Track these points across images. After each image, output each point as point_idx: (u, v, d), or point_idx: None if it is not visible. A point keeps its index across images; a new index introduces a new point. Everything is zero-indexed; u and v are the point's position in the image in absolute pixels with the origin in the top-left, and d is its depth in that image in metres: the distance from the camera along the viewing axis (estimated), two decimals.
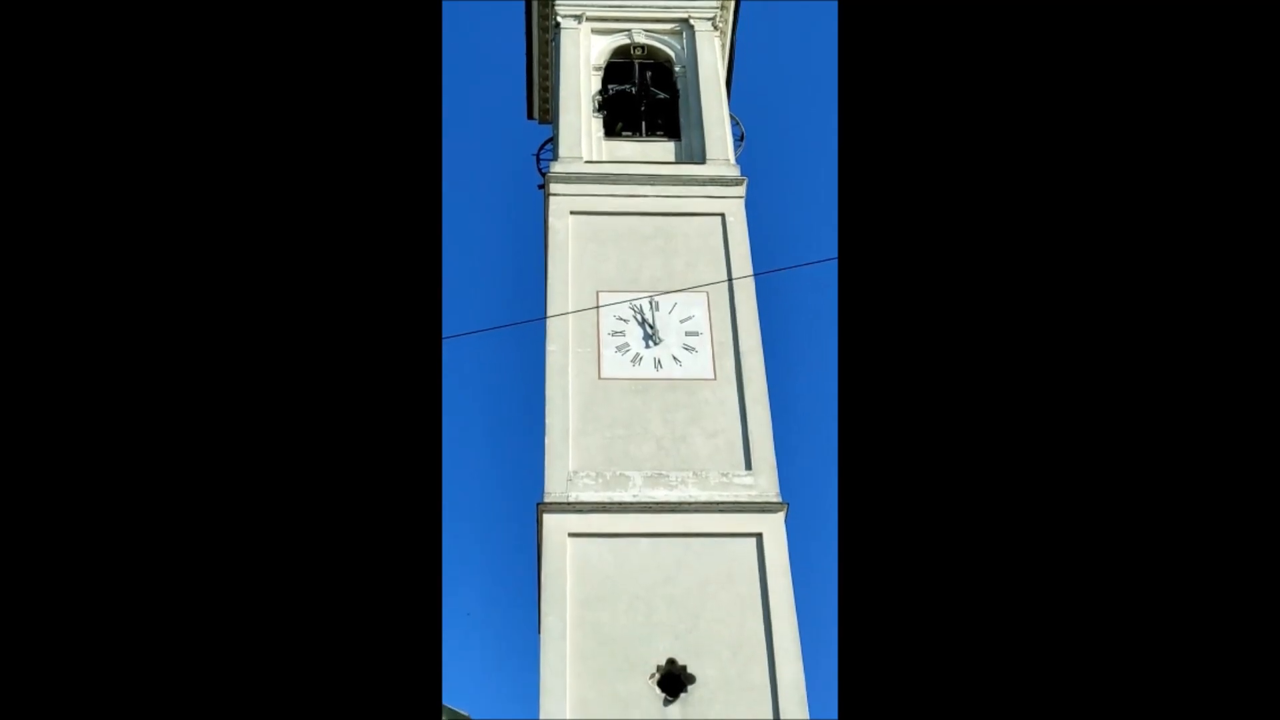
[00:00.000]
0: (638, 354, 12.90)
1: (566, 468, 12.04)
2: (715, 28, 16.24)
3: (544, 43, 16.89)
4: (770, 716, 10.74)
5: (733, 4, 16.65)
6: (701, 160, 14.78)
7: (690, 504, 11.85)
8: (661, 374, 12.79)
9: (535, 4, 16.62)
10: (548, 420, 12.35)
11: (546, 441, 12.21)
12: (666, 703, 10.83)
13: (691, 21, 16.18)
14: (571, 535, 11.61)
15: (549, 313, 13.12)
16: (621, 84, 15.87)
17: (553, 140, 15.62)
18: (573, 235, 13.83)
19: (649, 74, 16.01)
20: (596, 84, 15.69)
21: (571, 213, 14.03)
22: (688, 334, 13.08)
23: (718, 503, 11.89)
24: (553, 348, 12.85)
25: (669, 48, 16.13)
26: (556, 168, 14.52)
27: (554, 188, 14.25)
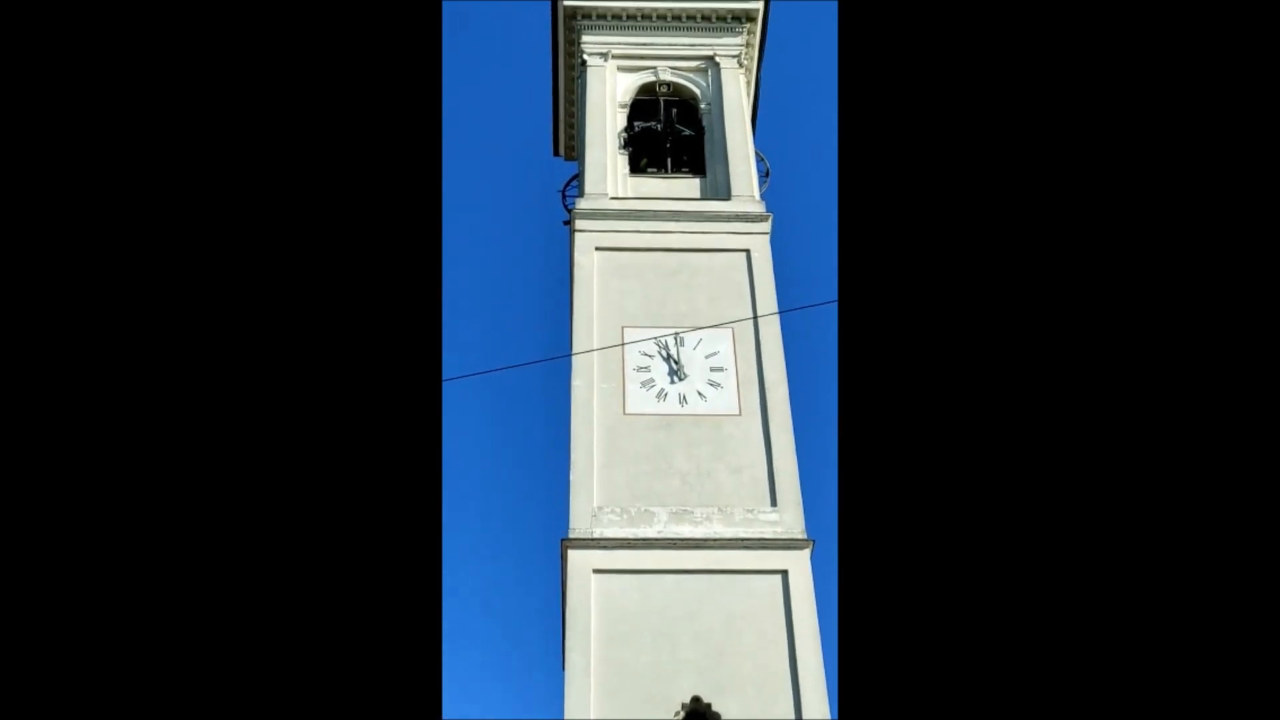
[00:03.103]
0: (663, 389, 12.90)
1: (591, 503, 12.02)
2: (740, 65, 16.31)
3: (570, 80, 17.00)
4: None
5: (757, 41, 16.73)
6: (726, 196, 14.81)
7: (715, 540, 11.81)
8: (686, 409, 12.77)
9: (562, 42, 16.74)
10: (573, 456, 12.35)
11: (571, 477, 12.20)
12: None
13: (717, 59, 16.26)
14: (596, 571, 11.59)
15: (574, 348, 13.13)
16: (647, 121, 15.94)
17: (578, 177, 15.71)
18: (598, 271, 13.87)
19: (674, 111, 16.08)
20: (622, 121, 15.77)
21: (597, 248, 14.08)
22: (712, 369, 13.07)
23: (743, 539, 11.84)
24: (578, 383, 12.85)
25: (694, 85, 16.20)
26: (582, 204, 14.58)
27: (579, 224, 14.30)
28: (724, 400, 12.87)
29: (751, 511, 12.05)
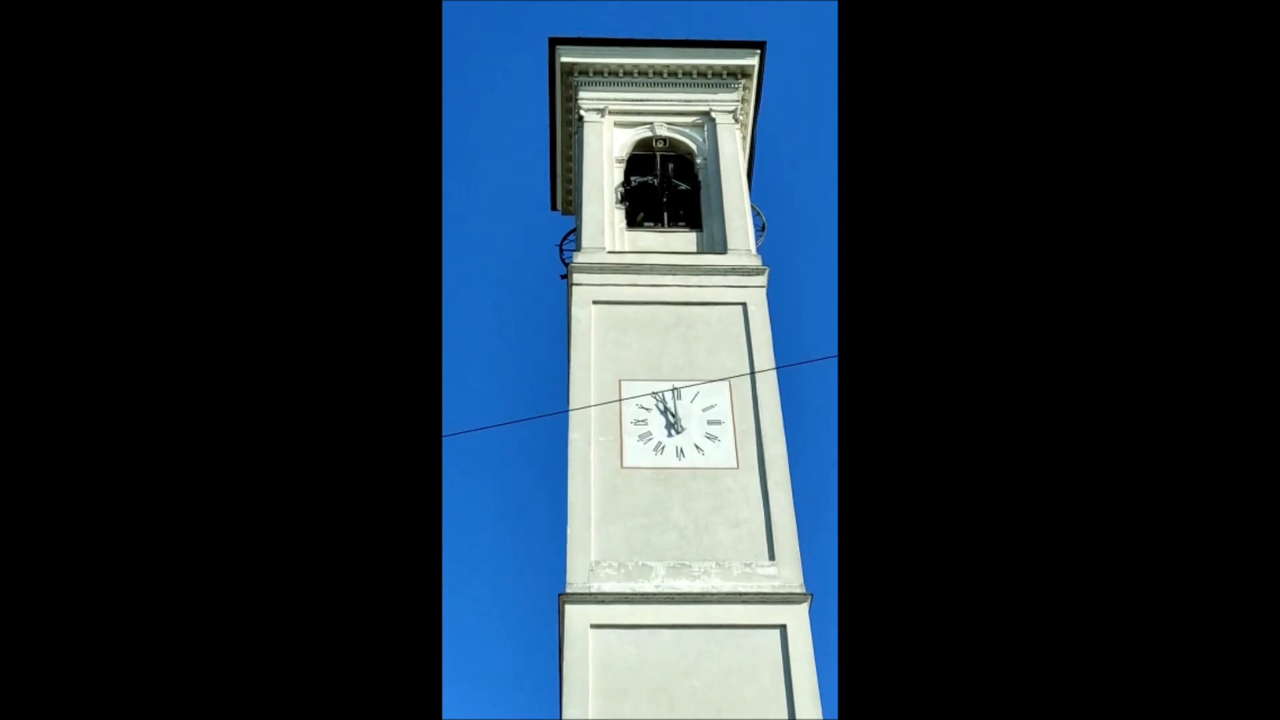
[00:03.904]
0: (660, 443, 12.89)
1: (589, 558, 11.97)
2: (736, 120, 16.45)
3: (567, 136, 17.14)
4: None
5: (753, 97, 16.89)
6: (723, 250, 14.89)
7: (713, 595, 11.75)
8: (684, 463, 12.76)
9: (559, 98, 16.89)
10: (570, 510, 12.31)
11: (568, 531, 12.16)
12: None
13: (713, 114, 16.40)
14: (594, 626, 11.52)
15: (571, 401, 13.14)
16: (644, 175, 16.05)
17: (575, 231, 15.80)
18: (595, 324, 13.91)
19: (671, 165, 16.19)
20: (619, 176, 15.88)
21: (594, 302, 14.13)
22: (710, 423, 13.06)
23: (741, 594, 11.78)
24: (575, 436, 12.84)
25: (690, 140, 16.33)
26: (579, 258, 14.65)
27: (577, 278, 14.36)
28: (721, 453, 12.86)
29: (749, 565, 12.01)
